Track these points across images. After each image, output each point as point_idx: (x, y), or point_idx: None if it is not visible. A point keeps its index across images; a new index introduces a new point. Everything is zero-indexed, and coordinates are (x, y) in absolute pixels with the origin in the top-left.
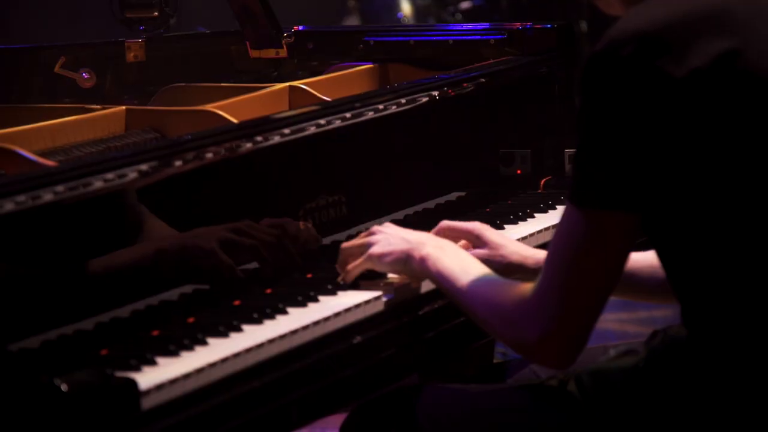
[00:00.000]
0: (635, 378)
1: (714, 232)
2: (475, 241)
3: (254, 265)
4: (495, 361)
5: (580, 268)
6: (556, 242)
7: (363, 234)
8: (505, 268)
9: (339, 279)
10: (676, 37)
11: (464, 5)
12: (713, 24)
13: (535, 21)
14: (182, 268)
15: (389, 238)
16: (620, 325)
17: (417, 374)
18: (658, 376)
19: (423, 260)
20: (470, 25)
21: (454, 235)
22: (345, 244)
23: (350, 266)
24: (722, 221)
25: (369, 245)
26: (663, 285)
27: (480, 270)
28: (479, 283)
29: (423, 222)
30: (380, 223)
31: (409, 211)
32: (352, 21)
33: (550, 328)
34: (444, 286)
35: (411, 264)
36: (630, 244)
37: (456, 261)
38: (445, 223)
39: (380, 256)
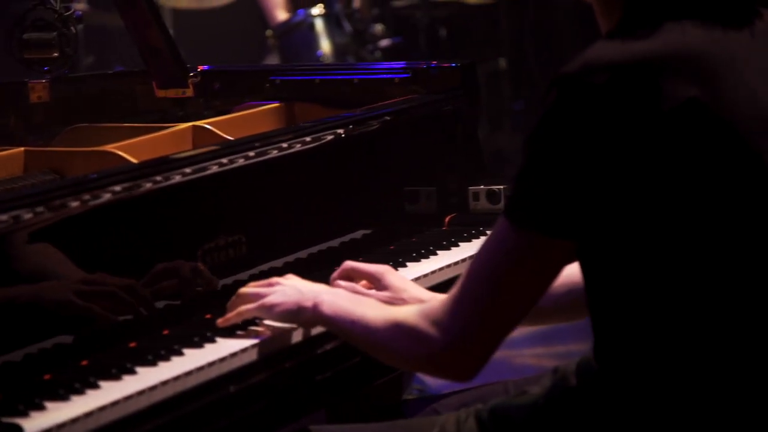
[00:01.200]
0: (535, 415)
1: (647, 270)
2: (377, 284)
3: (158, 304)
4: (410, 397)
5: (503, 284)
6: (482, 255)
7: (263, 282)
8: None
9: (219, 321)
10: (650, 74)
11: (383, 43)
12: (688, 67)
13: (454, 58)
14: (46, 316)
15: (285, 289)
16: (537, 359)
17: (324, 412)
18: (558, 412)
19: (316, 306)
20: (376, 64)
21: (357, 276)
22: (243, 290)
23: (242, 308)
24: (658, 262)
25: (264, 295)
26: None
27: (376, 303)
28: (376, 312)
29: (327, 260)
30: (283, 263)
31: (314, 249)
32: (272, 59)
33: (459, 338)
34: (340, 325)
35: (302, 314)
36: (558, 269)
37: (352, 300)
38: (349, 264)
39: (271, 307)
